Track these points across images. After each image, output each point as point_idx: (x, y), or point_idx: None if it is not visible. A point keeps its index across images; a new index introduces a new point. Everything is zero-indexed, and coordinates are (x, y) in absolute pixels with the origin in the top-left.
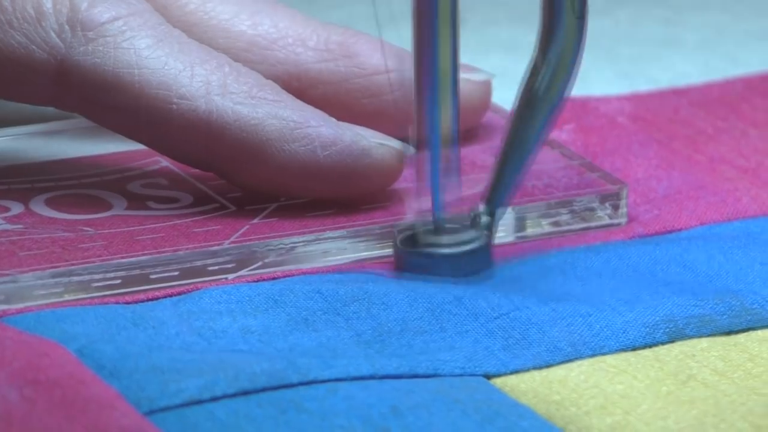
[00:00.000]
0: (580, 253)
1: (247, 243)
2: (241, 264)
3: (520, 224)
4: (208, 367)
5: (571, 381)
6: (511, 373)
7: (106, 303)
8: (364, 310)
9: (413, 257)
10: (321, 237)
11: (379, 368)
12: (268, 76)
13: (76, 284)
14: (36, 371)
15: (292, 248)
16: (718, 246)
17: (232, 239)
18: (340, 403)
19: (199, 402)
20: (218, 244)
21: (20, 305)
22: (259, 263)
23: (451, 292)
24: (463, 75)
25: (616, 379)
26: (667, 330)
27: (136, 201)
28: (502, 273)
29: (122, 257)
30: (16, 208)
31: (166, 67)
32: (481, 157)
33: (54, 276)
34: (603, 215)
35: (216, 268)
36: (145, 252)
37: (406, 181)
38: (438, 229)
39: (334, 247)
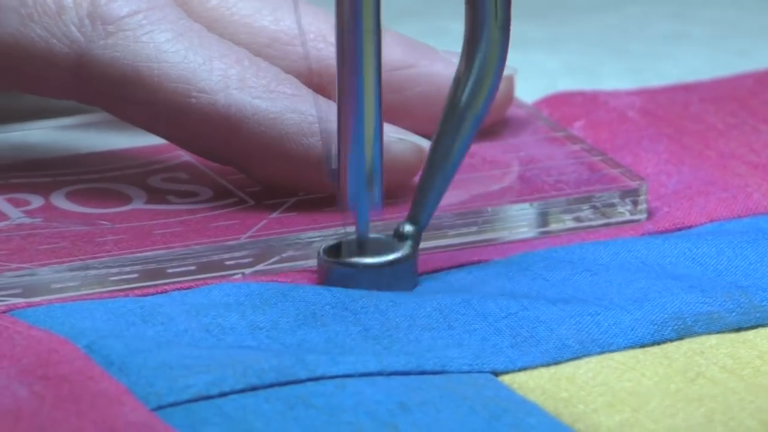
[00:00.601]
0: (589, 246)
1: (265, 238)
2: (258, 259)
3: (542, 220)
4: (216, 363)
5: (579, 378)
6: (519, 370)
7: (115, 297)
8: (372, 306)
9: (336, 268)
10: (339, 232)
11: (386, 365)
12: (289, 72)
13: (92, 278)
14: (45, 367)
15: (310, 243)
16: (727, 241)
17: (249, 234)
18: (348, 399)
19: (207, 398)
20: (235, 239)
21: (37, 299)
22: (277, 258)
23: (459, 295)
24: None
25: (624, 376)
26: (676, 327)
27: (156, 195)
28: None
29: (139, 251)
30: (37, 202)
31: (185, 61)
32: (491, 153)
33: (71, 270)
34: (623, 211)
35: (233, 262)
36: (162, 246)
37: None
38: (362, 242)
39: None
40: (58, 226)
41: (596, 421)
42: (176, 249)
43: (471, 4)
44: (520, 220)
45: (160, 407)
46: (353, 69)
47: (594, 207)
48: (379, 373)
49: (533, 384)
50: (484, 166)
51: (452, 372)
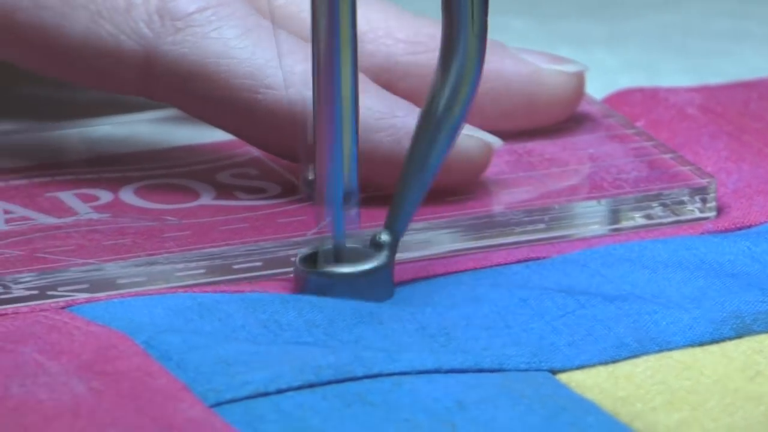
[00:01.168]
0: (647, 244)
1: (330, 234)
2: None
3: (614, 217)
4: (273, 359)
5: (637, 377)
6: (577, 368)
7: (175, 292)
8: (429, 307)
9: (312, 277)
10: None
11: (444, 362)
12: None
13: (158, 274)
14: (104, 363)
15: None
16: None
17: (315, 230)
18: (405, 397)
19: (265, 394)
20: (301, 235)
21: (103, 294)
22: None
23: (516, 294)
24: (555, 66)
25: (683, 374)
26: (735, 326)
27: (225, 191)
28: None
29: (205, 247)
30: (105, 197)
31: (252, 57)
32: (560, 150)
33: (137, 265)
34: (693, 209)
35: None
36: (229, 242)
37: (502, 172)
38: (338, 251)
39: (416, 239)
40: (126, 221)
41: (654, 419)
42: (242, 245)
43: (447, 13)
44: (589, 218)
45: (218, 404)
46: (330, 79)
47: (664, 204)
48: (437, 371)
49: (591, 382)
50: (553, 164)
51: (509, 370)
